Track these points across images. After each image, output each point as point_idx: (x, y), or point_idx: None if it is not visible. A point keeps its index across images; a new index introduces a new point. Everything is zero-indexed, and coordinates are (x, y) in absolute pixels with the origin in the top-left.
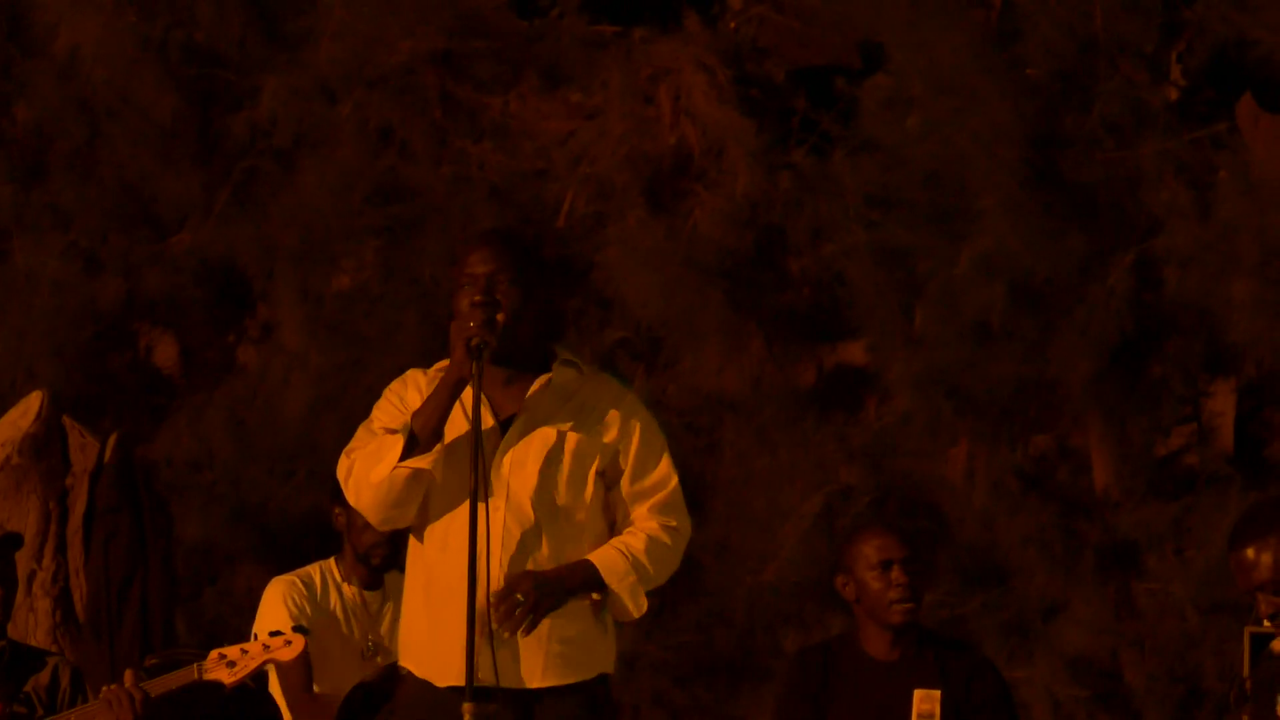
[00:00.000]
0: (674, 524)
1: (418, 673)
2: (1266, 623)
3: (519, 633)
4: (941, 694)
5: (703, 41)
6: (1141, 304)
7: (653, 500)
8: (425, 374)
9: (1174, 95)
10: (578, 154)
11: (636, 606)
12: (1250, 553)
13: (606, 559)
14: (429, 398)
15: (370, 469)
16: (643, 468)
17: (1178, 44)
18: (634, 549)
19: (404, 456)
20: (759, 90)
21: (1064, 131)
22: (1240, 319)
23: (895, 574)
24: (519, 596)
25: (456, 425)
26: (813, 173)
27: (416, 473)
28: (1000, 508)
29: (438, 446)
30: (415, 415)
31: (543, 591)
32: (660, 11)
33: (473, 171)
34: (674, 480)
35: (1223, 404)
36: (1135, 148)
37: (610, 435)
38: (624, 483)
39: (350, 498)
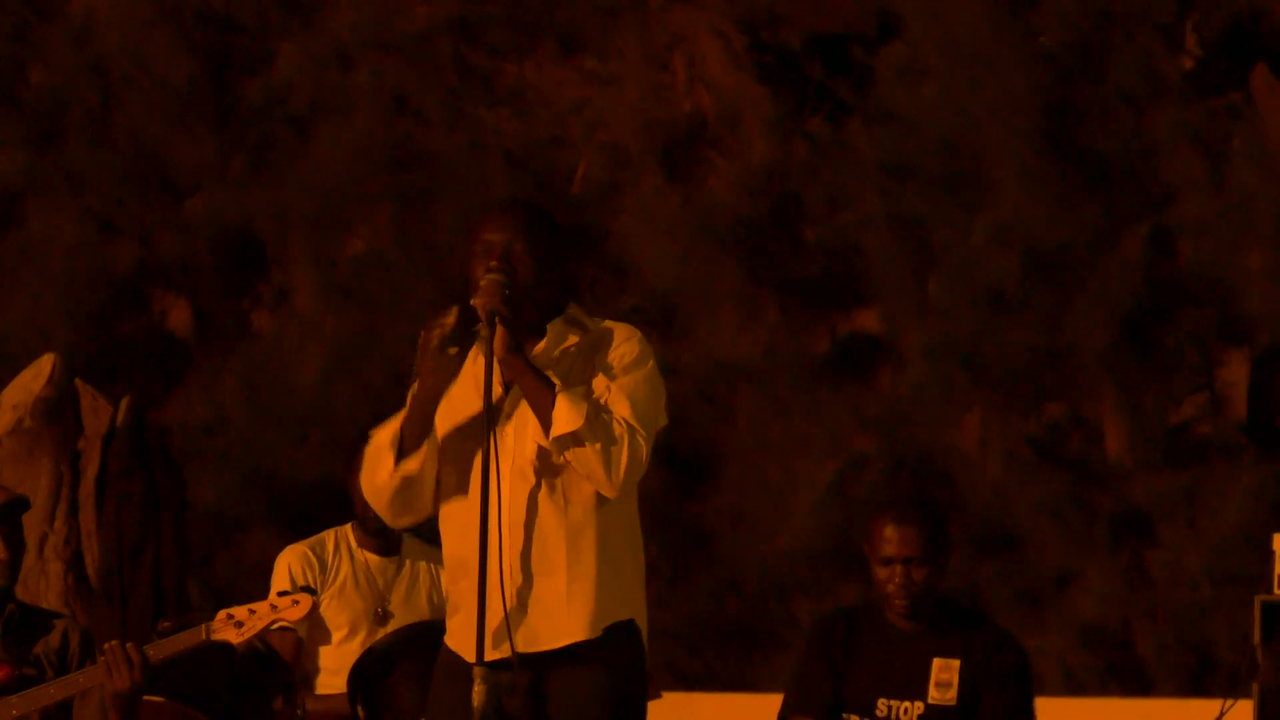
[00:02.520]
0: (626, 412)
1: (451, 647)
2: (1279, 588)
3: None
4: (960, 664)
5: (718, 8)
6: (1155, 273)
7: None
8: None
9: (1188, 65)
10: (593, 121)
11: (573, 414)
12: None
13: (566, 407)
14: (413, 399)
15: (373, 474)
16: (622, 366)
17: (1193, 14)
18: (586, 409)
19: (398, 461)
20: (774, 57)
21: (1079, 101)
22: (1254, 288)
23: (899, 573)
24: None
25: (466, 396)
26: (828, 141)
27: (405, 479)
28: (1013, 476)
29: (425, 445)
30: (405, 418)
31: (505, 346)
32: None
33: (488, 138)
34: (651, 382)
35: (1236, 373)
36: (1150, 117)
37: (600, 367)
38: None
39: (365, 486)
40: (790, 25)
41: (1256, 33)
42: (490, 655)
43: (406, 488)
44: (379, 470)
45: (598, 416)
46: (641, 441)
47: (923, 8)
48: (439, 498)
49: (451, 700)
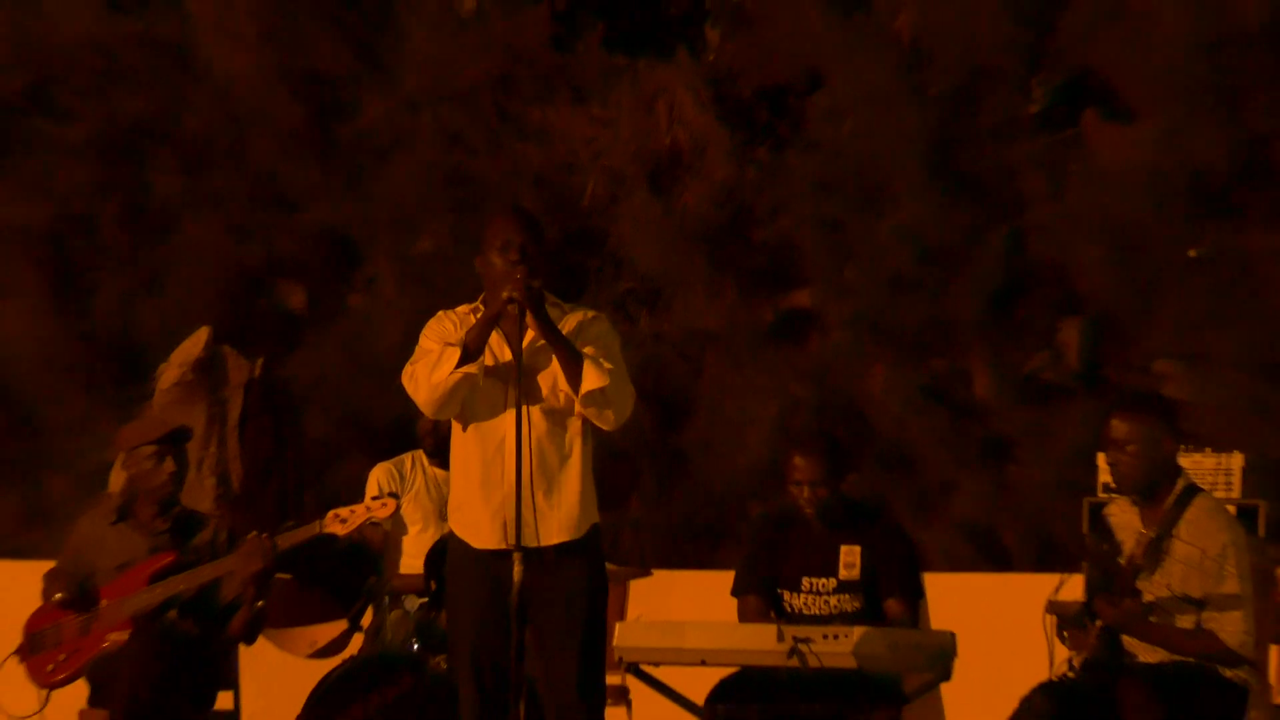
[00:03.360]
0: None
1: (462, 537)
2: (1101, 493)
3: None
4: (861, 549)
5: (690, 69)
6: (1012, 263)
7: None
8: (454, 312)
9: (1035, 109)
10: (598, 152)
11: (600, 375)
12: (1117, 423)
13: (592, 368)
14: (475, 326)
15: (432, 372)
16: (604, 340)
17: (1039, 73)
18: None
19: (458, 365)
20: (731, 104)
21: (957, 135)
22: (1084, 274)
23: (806, 493)
24: (522, 285)
25: (491, 355)
26: (771, 165)
27: (466, 375)
28: (909, 412)
29: (478, 363)
30: (466, 336)
31: (537, 309)
32: (659, 47)
33: (520, 165)
34: (616, 353)
35: (1070, 336)
36: (1008, 147)
37: (585, 344)
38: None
39: (411, 392)
40: (743, 80)
41: (1086, 86)
42: (499, 545)
43: (458, 387)
44: (442, 368)
45: (613, 377)
46: (633, 391)
47: (841, 67)
48: (465, 415)
49: (475, 577)
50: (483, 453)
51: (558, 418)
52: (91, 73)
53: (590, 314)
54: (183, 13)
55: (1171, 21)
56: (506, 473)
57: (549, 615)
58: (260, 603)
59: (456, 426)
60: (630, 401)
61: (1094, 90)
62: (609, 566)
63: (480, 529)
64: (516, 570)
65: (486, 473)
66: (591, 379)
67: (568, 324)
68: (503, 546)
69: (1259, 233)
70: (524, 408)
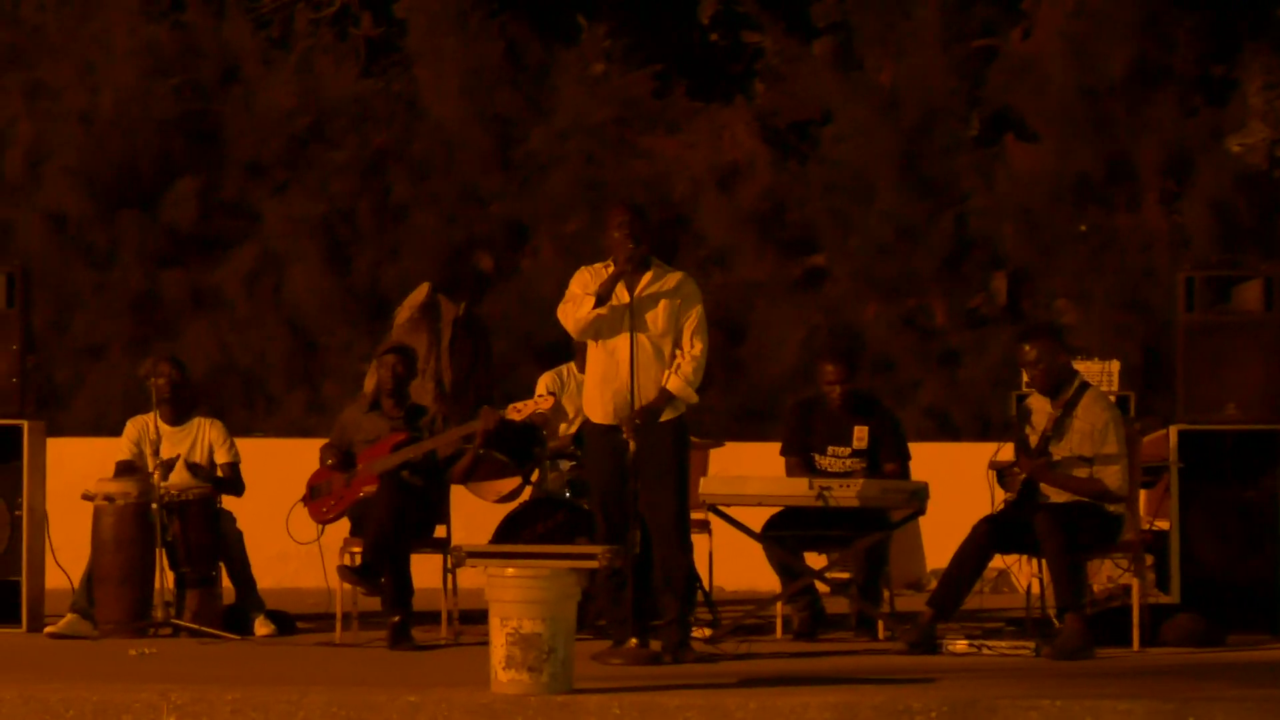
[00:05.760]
0: (698, 350)
1: (591, 418)
2: (1024, 388)
3: (633, 432)
4: (868, 428)
5: (744, 109)
6: (960, 234)
7: (690, 331)
8: (591, 267)
9: (975, 132)
10: (685, 165)
11: (688, 396)
12: (1026, 347)
13: (674, 385)
14: (606, 281)
15: (577, 310)
16: (689, 317)
17: (977, 109)
18: (684, 372)
19: (595, 308)
20: (772, 133)
21: (923, 150)
22: (1008, 244)
23: (834, 390)
24: (636, 421)
25: (616, 298)
26: (799, 173)
27: (598, 315)
28: (890, 335)
29: (607, 305)
30: (599, 289)
31: (646, 416)
32: (724, 95)
33: (633, 174)
34: (700, 318)
35: (999, 284)
36: (956, 158)
37: (679, 298)
38: (682, 321)
39: (561, 321)
40: (779, 117)
41: (1006, 118)
42: (612, 421)
43: (593, 323)
44: (583, 309)
45: (690, 373)
46: (703, 362)
47: (843, 107)
48: (597, 336)
49: (602, 445)
50: (608, 361)
51: (658, 340)
52: (351, 115)
53: (682, 275)
54: (411, 75)
55: (1061, 74)
56: (623, 374)
57: (653, 471)
58: (481, 450)
59: (591, 341)
60: (700, 373)
61: (1011, 120)
62: (693, 439)
63: (600, 411)
64: (632, 442)
65: (609, 374)
66: (680, 391)
67: (669, 281)
68: (613, 422)
69: (1122, 215)
70: (635, 334)
